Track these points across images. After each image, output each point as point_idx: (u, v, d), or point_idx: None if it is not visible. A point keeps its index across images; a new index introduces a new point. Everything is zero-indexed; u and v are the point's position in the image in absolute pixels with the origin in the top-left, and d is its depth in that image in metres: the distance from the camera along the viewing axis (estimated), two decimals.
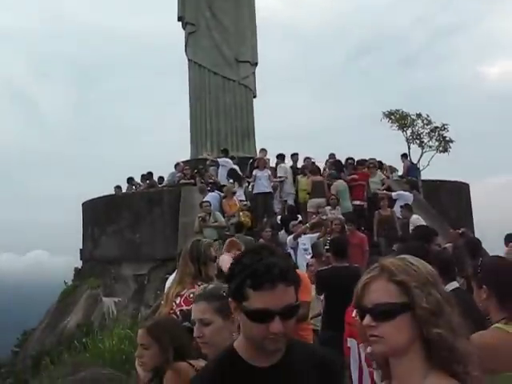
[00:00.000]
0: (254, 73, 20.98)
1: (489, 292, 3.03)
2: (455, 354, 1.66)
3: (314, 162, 16.38)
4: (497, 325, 2.93)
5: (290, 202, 15.09)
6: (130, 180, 18.84)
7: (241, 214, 13.13)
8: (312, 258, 9.45)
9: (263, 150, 16.55)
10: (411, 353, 1.71)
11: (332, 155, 17.19)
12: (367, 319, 1.72)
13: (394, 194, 14.06)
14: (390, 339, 1.69)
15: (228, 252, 7.95)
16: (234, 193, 14.07)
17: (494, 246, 9.68)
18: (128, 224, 15.69)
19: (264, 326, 1.83)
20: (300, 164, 16.55)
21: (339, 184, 14.02)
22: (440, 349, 1.67)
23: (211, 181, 15.54)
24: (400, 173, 18.31)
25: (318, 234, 11.00)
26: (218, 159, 16.39)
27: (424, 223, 11.91)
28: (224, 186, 14.67)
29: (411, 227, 12.04)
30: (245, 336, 1.95)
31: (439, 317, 1.67)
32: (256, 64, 21.04)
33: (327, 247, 9.23)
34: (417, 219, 12.07)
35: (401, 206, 13.02)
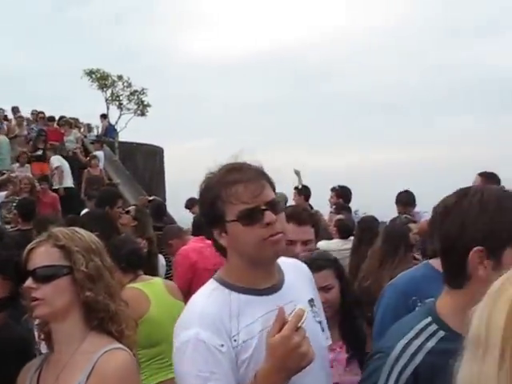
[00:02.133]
0: None
1: None
2: (111, 315, 1.84)
3: (6, 115, 15.62)
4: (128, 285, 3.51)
5: None
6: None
7: None
8: None
9: None
10: (71, 317, 1.83)
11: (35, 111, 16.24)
12: (28, 281, 1.78)
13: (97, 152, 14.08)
14: (50, 301, 1.78)
15: None
16: None
17: None
18: None
19: None
20: None
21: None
22: (96, 310, 1.83)
23: None
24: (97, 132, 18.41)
25: (6, 193, 10.47)
26: None
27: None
28: None
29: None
30: None
31: (96, 282, 1.83)
32: None
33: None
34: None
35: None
